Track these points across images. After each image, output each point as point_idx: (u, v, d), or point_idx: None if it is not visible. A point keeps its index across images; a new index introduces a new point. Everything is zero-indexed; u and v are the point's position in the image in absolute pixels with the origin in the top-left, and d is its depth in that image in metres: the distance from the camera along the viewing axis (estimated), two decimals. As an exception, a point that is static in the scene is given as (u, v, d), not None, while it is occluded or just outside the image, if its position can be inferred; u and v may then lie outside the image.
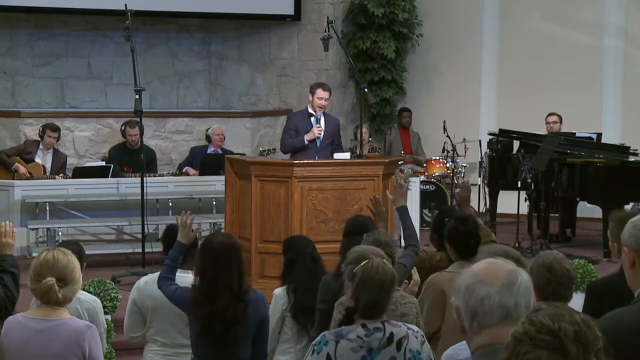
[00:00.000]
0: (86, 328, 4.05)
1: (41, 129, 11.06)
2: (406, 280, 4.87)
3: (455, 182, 12.26)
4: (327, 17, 10.15)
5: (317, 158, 8.66)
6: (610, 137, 11.98)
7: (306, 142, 8.75)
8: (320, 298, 4.83)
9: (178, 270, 4.89)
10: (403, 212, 5.67)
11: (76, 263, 4.06)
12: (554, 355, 2.06)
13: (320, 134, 8.78)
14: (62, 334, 3.98)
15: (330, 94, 8.99)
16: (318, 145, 8.83)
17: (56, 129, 11.00)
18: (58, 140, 11.16)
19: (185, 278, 4.84)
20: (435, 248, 5.66)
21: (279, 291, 5.27)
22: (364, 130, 12.14)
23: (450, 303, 2.66)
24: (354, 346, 3.59)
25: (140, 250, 8.96)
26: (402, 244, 5.96)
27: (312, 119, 8.87)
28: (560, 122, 11.44)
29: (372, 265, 3.66)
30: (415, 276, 4.89)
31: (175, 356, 5.07)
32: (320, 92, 8.83)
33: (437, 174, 12.23)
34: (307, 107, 9.03)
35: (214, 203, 10.53)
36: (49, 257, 4.01)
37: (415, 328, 3.80)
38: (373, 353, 3.60)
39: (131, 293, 5.25)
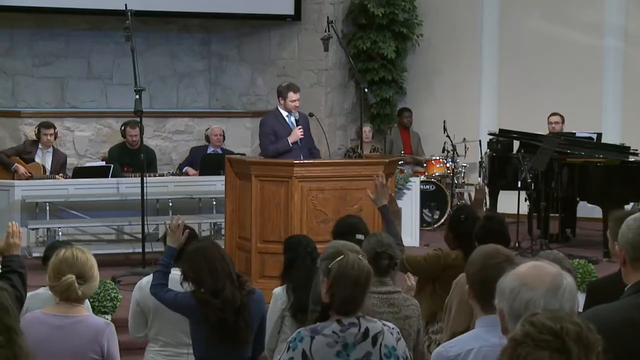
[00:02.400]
0: (105, 325, 4.08)
1: (36, 129, 11.05)
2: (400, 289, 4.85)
3: (456, 182, 12.28)
4: (327, 17, 10.16)
5: (301, 157, 8.67)
6: (610, 137, 11.98)
7: (290, 144, 8.76)
8: (313, 299, 4.82)
9: (172, 269, 4.92)
10: (385, 211, 5.66)
11: (94, 261, 4.10)
12: (556, 355, 2.06)
13: (302, 135, 8.81)
14: (81, 331, 4.01)
15: (299, 94, 9.00)
16: (300, 144, 8.84)
17: (50, 126, 10.96)
18: (56, 138, 11.13)
19: (174, 275, 4.84)
20: (450, 247, 5.64)
21: (279, 290, 5.27)
22: (367, 129, 12.19)
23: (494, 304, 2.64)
24: (330, 342, 3.60)
25: (140, 250, 8.96)
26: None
27: (289, 119, 8.86)
28: (563, 122, 11.44)
29: (347, 261, 3.65)
30: (409, 282, 4.87)
31: (178, 356, 5.06)
32: (292, 95, 8.86)
33: (437, 174, 12.23)
34: (277, 108, 9.00)
35: (214, 203, 10.52)
36: (68, 255, 4.04)
37: (391, 325, 3.79)
38: (348, 348, 3.60)
39: (133, 293, 5.24)
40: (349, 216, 5.93)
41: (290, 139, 8.76)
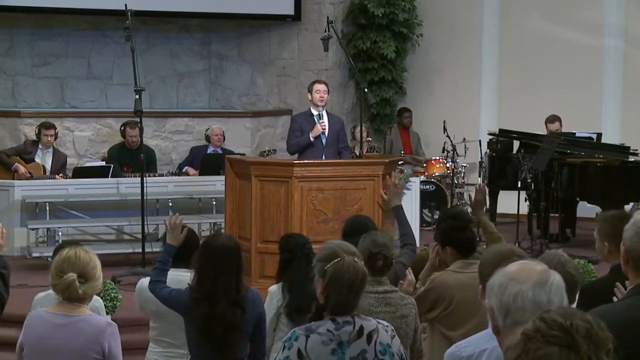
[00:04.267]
0: (107, 325, 4.08)
1: (37, 129, 11.05)
2: (401, 281, 4.86)
3: (456, 182, 12.28)
4: (327, 17, 10.17)
5: (323, 157, 8.68)
6: (610, 137, 11.98)
7: (311, 138, 8.79)
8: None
9: (174, 269, 4.90)
10: (398, 211, 5.66)
11: (97, 261, 4.09)
12: (564, 351, 2.07)
13: (324, 128, 8.83)
14: (83, 330, 4.01)
15: (327, 87, 9.10)
16: (324, 143, 8.86)
17: (50, 127, 10.97)
18: (56, 138, 11.13)
19: (182, 277, 4.83)
20: None
21: (274, 288, 5.27)
22: (362, 129, 12.16)
23: (486, 303, 2.65)
24: (324, 340, 3.60)
25: (140, 250, 8.96)
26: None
27: (317, 117, 8.93)
28: (561, 124, 11.44)
29: (342, 264, 3.65)
30: (410, 276, 4.87)
31: (181, 357, 5.04)
32: (317, 86, 9.00)
33: (437, 174, 12.23)
34: (309, 108, 9.07)
35: (214, 203, 10.53)
36: (71, 254, 4.04)
37: (385, 322, 3.80)
38: (343, 346, 3.61)
39: (134, 296, 5.24)
40: (358, 215, 5.92)
41: (312, 134, 8.80)
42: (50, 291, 5.00)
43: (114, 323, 4.16)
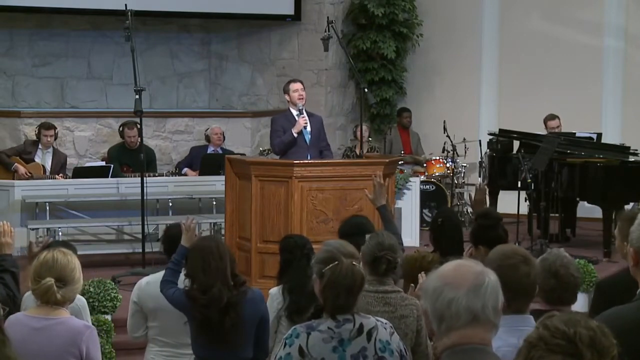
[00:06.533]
0: (85, 328, 4.06)
1: (36, 129, 11.05)
2: (412, 284, 4.84)
3: (456, 182, 12.28)
4: (327, 17, 10.16)
5: (308, 156, 8.62)
6: (610, 137, 11.98)
7: (295, 134, 8.69)
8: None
9: None
10: (384, 210, 5.67)
11: (76, 263, 4.06)
12: None
13: (305, 123, 8.74)
14: (61, 333, 3.99)
15: (303, 85, 8.99)
16: (308, 142, 8.76)
17: (50, 127, 10.97)
18: (56, 139, 11.13)
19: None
20: (433, 247, 5.67)
21: (275, 290, 5.26)
22: (364, 128, 12.17)
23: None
24: (325, 337, 3.61)
25: (140, 250, 8.96)
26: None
27: (298, 117, 8.80)
28: (560, 123, 11.44)
29: (341, 269, 3.64)
30: (422, 279, 4.85)
31: (178, 357, 5.04)
32: (293, 85, 8.85)
33: (437, 174, 12.23)
34: (288, 109, 8.97)
35: (214, 203, 10.52)
36: (48, 258, 4.02)
37: (384, 320, 3.80)
38: (344, 344, 3.62)
39: (132, 293, 5.23)
40: (355, 216, 5.91)
41: (294, 129, 8.69)
42: None
43: (92, 326, 4.14)
